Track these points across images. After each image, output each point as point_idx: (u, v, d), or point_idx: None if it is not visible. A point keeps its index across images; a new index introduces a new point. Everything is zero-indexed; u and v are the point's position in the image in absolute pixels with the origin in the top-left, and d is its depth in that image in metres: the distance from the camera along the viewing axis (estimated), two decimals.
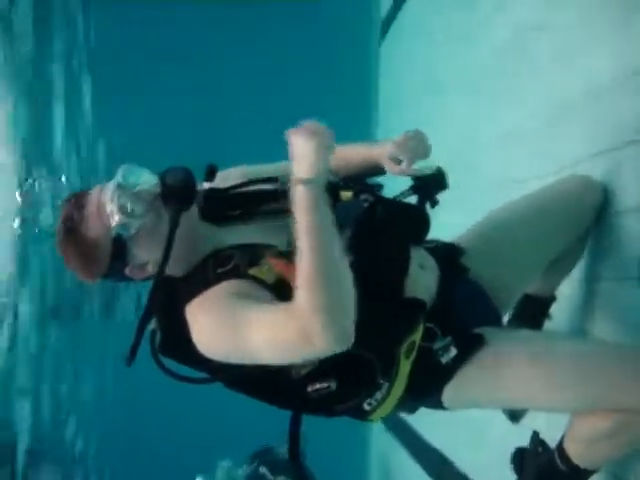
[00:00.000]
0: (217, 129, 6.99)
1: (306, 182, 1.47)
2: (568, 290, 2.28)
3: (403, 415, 5.04)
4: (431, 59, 4.92)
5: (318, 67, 7.17)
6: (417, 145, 1.77)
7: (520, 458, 2.07)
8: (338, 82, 7.11)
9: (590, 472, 1.81)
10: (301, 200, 1.46)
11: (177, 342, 1.65)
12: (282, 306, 1.47)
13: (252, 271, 1.60)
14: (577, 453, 1.78)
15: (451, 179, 1.87)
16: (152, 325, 1.69)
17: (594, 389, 1.63)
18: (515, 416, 2.56)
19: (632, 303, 1.98)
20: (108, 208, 1.63)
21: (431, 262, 1.88)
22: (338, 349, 1.43)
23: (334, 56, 7.25)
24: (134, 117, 6.76)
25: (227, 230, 1.75)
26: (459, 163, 2.87)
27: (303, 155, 1.49)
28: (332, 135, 1.54)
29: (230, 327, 1.51)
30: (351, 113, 6.36)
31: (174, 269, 1.66)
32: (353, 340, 1.44)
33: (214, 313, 1.56)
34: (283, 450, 4.73)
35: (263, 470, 4.75)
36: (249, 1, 7.35)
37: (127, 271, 1.69)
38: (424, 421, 4.50)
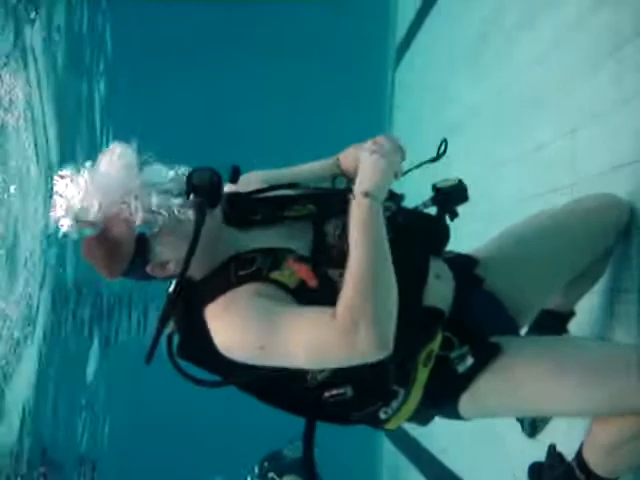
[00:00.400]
0: (232, 133, 7.04)
1: (371, 196, 1.52)
2: (588, 303, 2.28)
3: (414, 433, 5.11)
4: (445, 83, 4.97)
5: (335, 89, 7.24)
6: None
7: (537, 473, 2.06)
8: (353, 103, 7.18)
9: None
10: (364, 212, 1.51)
11: (195, 344, 1.65)
12: (325, 309, 1.48)
13: (274, 275, 1.60)
14: (597, 462, 1.77)
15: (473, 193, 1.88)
16: (168, 329, 1.68)
17: (613, 392, 1.63)
18: (532, 431, 2.55)
19: None
20: (133, 206, 1.63)
21: (447, 272, 1.88)
22: (379, 355, 1.45)
23: (350, 77, 7.33)
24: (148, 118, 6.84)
25: (249, 234, 1.75)
26: (479, 178, 2.89)
27: (375, 170, 1.55)
28: (402, 163, 1.62)
29: (264, 328, 1.51)
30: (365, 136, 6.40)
31: (193, 271, 1.65)
32: (388, 352, 1.46)
33: (242, 314, 1.56)
34: (291, 451, 4.73)
35: (272, 475, 4.74)
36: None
37: (148, 269, 1.68)
38: (435, 439, 4.49)
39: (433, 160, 1.87)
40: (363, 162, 1.58)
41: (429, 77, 5.64)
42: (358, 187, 1.54)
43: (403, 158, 1.66)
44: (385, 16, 7.70)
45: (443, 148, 1.87)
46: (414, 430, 5.23)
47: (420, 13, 6.04)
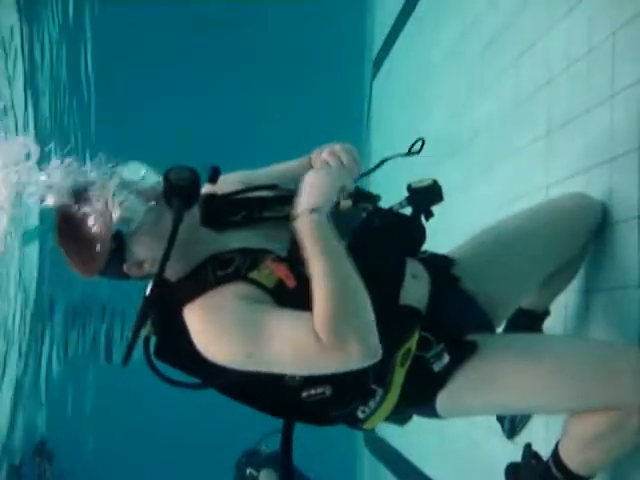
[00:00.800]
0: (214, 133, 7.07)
1: (315, 211, 1.54)
2: (563, 301, 2.31)
3: (395, 443, 5.11)
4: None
5: (312, 98, 7.31)
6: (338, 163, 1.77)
7: (514, 473, 2.07)
8: (331, 112, 7.24)
9: (586, 479, 1.81)
10: (308, 229, 1.54)
11: (173, 346, 1.65)
12: (307, 318, 1.49)
13: (252, 275, 1.60)
14: (573, 459, 1.79)
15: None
16: (145, 331, 1.67)
17: (587, 386, 1.66)
18: (512, 432, 2.57)
19: (628, 310, 2.00)
20: (110, 203, 1.61)
21: (423, 272, 1.89)
22: (372, 362, 1.49)
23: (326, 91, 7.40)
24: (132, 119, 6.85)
25: (226, 235, 1.75)
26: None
27: (319, 186, 1.59)
28: (352, 177, 1.67)
29: (251, 337, 1.52)
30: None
31: (170, 271, 1.64)
32: (381, 354, 1.50)
33: (227, 320, 1.55)
34: (267, 447, 4.75)
35: (250, 470, 4.73)
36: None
37: (125, 268, 1.67)
38: (415, 448, 4.49)
39: (404, 155, 1.89)
40: (307, 179, 1.61)
41: (406, 86, 5.69)
42: (303, 204, 1.57)
43: (358, 170, 1.71)
44: (362, 26, 7.78)
45: (418, 148, 1.89)
46: (394, 440, 5.23)
47: (397, 23, 6.10)
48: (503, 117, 3.22)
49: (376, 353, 1.49)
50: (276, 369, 1.56)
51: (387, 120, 6.41)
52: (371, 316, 1.50)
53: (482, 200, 3.39)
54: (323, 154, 1.75)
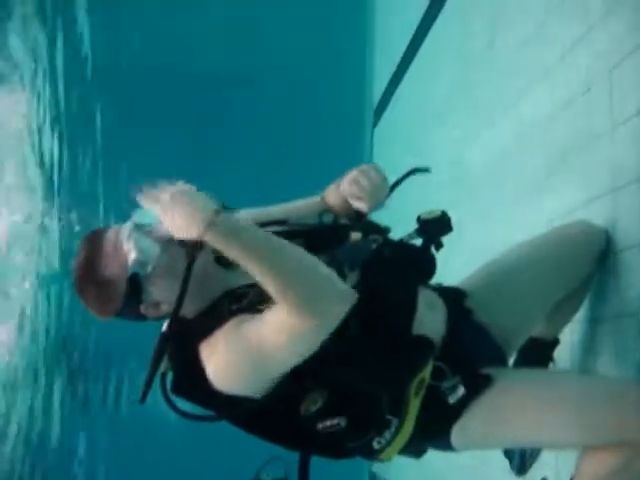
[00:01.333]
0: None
1: (209, 225, 1.50)
2: (571, 331, 2.33)
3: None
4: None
5: (315, 146, 7.42)
6: (370, 180, 1.81)
7: None
8: (333, 160, 7.33)
9: None
10: (217, 242, 1.52)
11: (191, 381, 1.67)
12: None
13: (263, 307, 1.62)
14: None
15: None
16: (162, 368, 1.70)
17: (598, 420, 1.66)
18: (521, 468, 2.55)
19: (634, 338, 2.03)
20: (125, 246, 1.67)
21: (439, 303, 1.93)
22: (350, 303, 1.55)
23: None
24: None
25: (239, 272, 1.78)
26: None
27: (182, 218, 1.52)
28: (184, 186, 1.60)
29: (246, 344, 1.57)
30: None
31: (186, 309, 1.67)
32: (355, 296, 1.56)
33: (232, 342, 1.60)
34: (268, 475, 4.69)
35: None
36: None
37: (142, 309, 1.72)
38: None
39: (393, 186, 1.94)
40: (164, 225, 1.57)
41: (408, 133, 5.79)
42: (194, 223, 1.53)
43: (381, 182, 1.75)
44: (362, 75, 7.94)
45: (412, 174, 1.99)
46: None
47: (397, 72, 6.24)
48: (505, 157, 3.29)
49: (350, 294, 1.56)
50: (283, 366, 1.60)
51: (389, 167, 6.49)
52: (322, 269, 1.55)
53: (487, 240, 3.44)
54: (351, 174, 1.82)
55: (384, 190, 1.82)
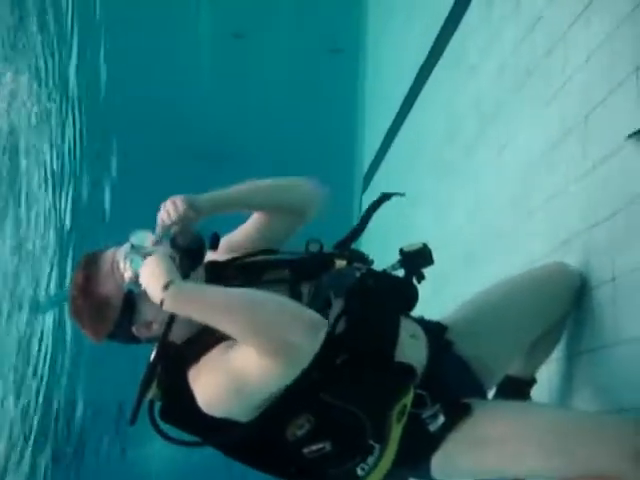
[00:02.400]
0: None
1: (167, 288, 1.62)
2: (548, 370, 2.40)
3: None
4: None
5: None
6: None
7: None
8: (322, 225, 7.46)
9: None
10: (180, 303, 1.63)
11: (179, 407, 1.73)
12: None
13: None
14: None
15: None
16: (149, 395, 1.74)
17: (577, 453, 1.71)
18: None
19: (608, 370, 2.10)
20: (122, 265, 1.75)
21: (421, 333, 2.00)
22: (321, 331, 1.59)
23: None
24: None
25: None
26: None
27: (152, 273, 1.67)
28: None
29: (231, 370, 1.63)
30: None
31: (175, 334, 1.73)
32: (325, 322, 1.62)
33: (218, 367, 1.66)
34: None
35: None
36: None
37: (134, 329, 1.79)
38: None
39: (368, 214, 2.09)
40: (142, 276, 1.69)
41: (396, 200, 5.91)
42: (156, 294, 1.64)
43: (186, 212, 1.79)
44: (352, 143, 8.15)
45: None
46: None
47: (385, 140, 6.43)
48: (492, 218, 3.42)
49: (319, 322, 1.60)
50: (266, 393, 1.66)
51: (378, 232, 6.61)
52: (284, 307, 1.61)
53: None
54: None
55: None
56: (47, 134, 8.80)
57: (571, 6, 2.51)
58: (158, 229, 1.80)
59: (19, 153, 8.71)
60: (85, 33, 8.92)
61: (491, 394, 2.23)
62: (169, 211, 1.78)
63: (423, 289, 2.01)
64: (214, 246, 1.87)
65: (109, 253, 1.81)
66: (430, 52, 4.91)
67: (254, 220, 2.01)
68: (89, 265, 1.81)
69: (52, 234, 8.69)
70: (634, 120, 2.00)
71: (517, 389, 2.33)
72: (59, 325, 8.42)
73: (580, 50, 2.43)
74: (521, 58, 3.08)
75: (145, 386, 1.71)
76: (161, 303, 1.62)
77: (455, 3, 4.34)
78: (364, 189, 7.45)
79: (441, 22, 4.60)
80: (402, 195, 2.12)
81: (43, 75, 8.84)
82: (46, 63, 8.81)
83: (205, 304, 1.63)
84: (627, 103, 2.06)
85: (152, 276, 1.66)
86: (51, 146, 8.82)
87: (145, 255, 1.74)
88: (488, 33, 3.68)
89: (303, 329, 1.56)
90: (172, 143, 8.21)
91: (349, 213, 7.82)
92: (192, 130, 8.33)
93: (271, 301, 1.63)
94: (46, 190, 8.83)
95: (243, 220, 2.05)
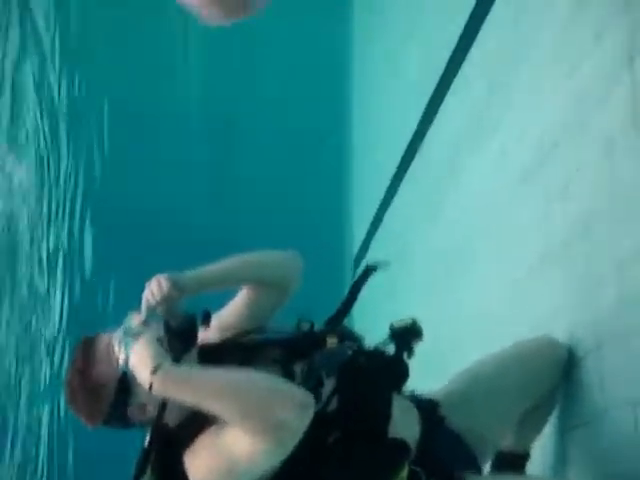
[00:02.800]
0: None
1: (155, 373, 1.65)
2: (541, 445, 2.40)
3: None
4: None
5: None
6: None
7: None
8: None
9: None
10: (168, 386, 1.66)
11: None
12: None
13: None
14: None
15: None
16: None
17: None
18: None
19: (599, 441, 2.11)
20: (116, 349, 1.78)
21: (413, 410, 2.03)
22: (309, 411, 1.61)
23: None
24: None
25: None
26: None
27: (140, 358, 1.70)
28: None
29: (223, 451, 1.64)
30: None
31: (169, 416, 1.75)
32: (312, 399, 1.64)
33: (210, 449, 1.67)
34: None
35: None
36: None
37: (128, 412, 1.80)
38: None
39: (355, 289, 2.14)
40: (131, 362, 1.72)
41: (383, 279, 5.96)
42: (144, 379, 1.67)
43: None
44: (341, 227, 8.27)
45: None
46: None
47: (375, 221, 6.54)
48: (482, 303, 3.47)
49: (308, 400, 1.62)
50: (259, 473, 1.66)
51: (369, 312, 6.64)
52: (271, 386, 1.64)
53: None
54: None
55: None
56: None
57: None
58: (143, 309, 1.83)
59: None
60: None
61: (486, 469, 2.24)
62: (153, 291, 1.81)
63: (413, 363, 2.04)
64: (206, 323, 1.91)
65: (105, 336, 1.84)
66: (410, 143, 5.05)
67: (242, 296, 2.04)
68: (86, 348, 1.84)
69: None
70: None
71: (511, 463, 2.34)
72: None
73: None
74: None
75: (140, 473, 1.71)
76: (150, 387, 1.64)
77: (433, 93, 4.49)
78: (354, 272, 7.51)
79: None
80: (387, 265, 2.16)
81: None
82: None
83: (194, 388, 1.65)
84: None
85: (140, 360, 1.69)
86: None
87: (136, 338, 1.77)
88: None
89: (291, 407, 1.58)
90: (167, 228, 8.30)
91: (339, 293, 7.88)
92: (181, 227, 8.46)
93: (259, 381, 1.66)
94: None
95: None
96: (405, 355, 2.06)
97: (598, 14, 2.24)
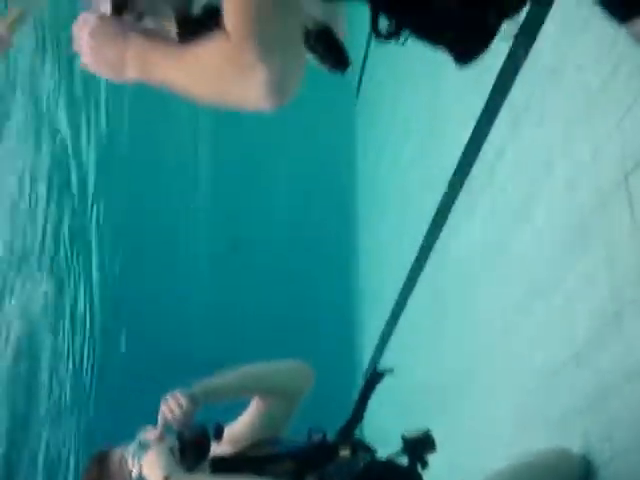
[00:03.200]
0: None
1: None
2: None
3: None
4: None
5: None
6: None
7: None
8: None
9: None
10: None
11: None
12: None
13: None
14: None
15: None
16: None
17: None
18: None
19: None
20: (129, 462, 1.81)
21: None
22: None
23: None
24: None
25: None
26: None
27: (150, 468, 1.76)
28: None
29: None
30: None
31: None
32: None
33: None
34: None
35: None
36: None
37: None
38: None
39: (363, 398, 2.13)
40: (142, 467, 1.79)
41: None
42: None
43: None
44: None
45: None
46: None
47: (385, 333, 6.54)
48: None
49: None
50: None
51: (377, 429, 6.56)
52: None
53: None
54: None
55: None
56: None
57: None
58: (160, 424, 1.88)
59: None
60: None
61: None
62: (172, 407, 1.87)
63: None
64: (218, 437, 1.92)
65: (118, 450, 1.88)
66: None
67: (253, 408, 2.07)
68: (100, 462, 1.88)
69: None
70: None
71: None
72: None
73: None
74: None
75: None
76: None
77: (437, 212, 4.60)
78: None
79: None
80: (391, 371, 2.18)
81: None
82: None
83: None
84: None
85: (151, 470, 1.75)
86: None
87: (149, 449, 1.80)
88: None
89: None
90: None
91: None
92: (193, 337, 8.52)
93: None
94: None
95: None
96: (419, 467, 2.04)
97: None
